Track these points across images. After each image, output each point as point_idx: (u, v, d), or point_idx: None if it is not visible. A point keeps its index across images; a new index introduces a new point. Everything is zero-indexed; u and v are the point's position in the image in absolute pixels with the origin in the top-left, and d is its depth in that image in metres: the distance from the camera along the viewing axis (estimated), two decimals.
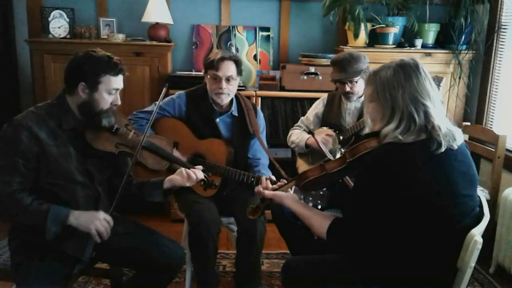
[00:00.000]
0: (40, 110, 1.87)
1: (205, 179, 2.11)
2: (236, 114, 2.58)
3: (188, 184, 2.05)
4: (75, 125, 1.89)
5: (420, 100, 1.53)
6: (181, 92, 2.62)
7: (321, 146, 2.45)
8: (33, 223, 1.78)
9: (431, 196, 1.51)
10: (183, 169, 2.05)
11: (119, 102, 1.94)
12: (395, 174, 1.49)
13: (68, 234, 1.80)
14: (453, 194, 1.54)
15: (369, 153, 1.61)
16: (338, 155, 2.48)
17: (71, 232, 1.81)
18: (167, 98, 2.59)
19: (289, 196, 1.82)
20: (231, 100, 2.56)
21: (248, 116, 2.57)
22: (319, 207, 1.90)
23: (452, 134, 1.55)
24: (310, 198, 1.84)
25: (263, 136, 2.64)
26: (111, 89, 1.88)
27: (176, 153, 2.41)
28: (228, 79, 2.44)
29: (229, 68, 2.44)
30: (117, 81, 1.89)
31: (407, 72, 1.55)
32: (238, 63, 2.49)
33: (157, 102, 2.15)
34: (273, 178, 2.33)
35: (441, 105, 1.58)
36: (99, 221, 1.81)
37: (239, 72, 2.50)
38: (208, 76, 2.49)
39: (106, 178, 2.00)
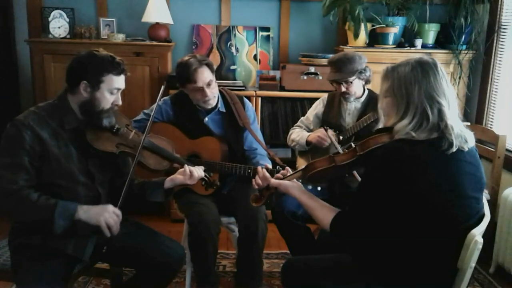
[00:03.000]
0: (41, 110, 1.87)
1: (206, 178, 2.11)
2: (223, 110, 2.58)
3: (189, 183, 2.05)
4: (76, 125, 1.89)
5: (435, 98, 1.53)
6: (166, 97, 2.64)
7: (330, 135, 2.43)
8: (41, 218, 1.76)
9: (437, 195, 1.51)
10: (186, 166, 2.05)
11: (120, 103, 1.94)
12: (403, 171, 1.49)
13: (68, 234, 1.80)
14: (459, 194, 1.54)
15: (380, 147, 1.61)
16: None
17: (72, 232, 1.80)
18: (152, 106, 2.60)
19: (295, 186, 1.81)
20: (217, 98, 2.56)
21: (236, 110, 2.56)
22: (319, 188, 1.90)
23: (464, 136, 1.55)
24: (310, 187, 1.84)
25: (254, 126, 2.63)
26: (113, 88, 1.88)
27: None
28: (208, 84, 2.43)
29: (205, 74, 2.40)
30: (119, 81, 1.89)
31: (425, 69, 1.55)
32: (209, 64, 2.44)
33: (153, 109, 2.17)
34: (269, 167, 2.32)
35: (456, 107, 1.58)
36: (108, 213, 1.81)
37: (213, 70, 2.47)
38: (188, 90, 2.47)
39: (107, 179, 2.00)
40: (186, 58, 2.44)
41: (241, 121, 2.55)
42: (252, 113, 2.67)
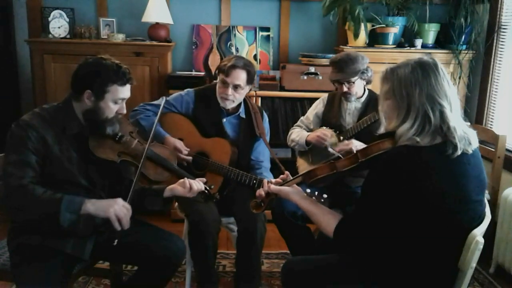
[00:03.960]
0: (45, 112, 1.86)
1: (206, 191, 2.06)
2: (243, 116, 2.60)
3: (188, 195, 2.01)
4: (79, 130, 1.88)
5: (436, 99, 1.50)
6: (190, 89, 2.64)
7: (328, 136, 2.45)
8: (47, 211, 1.73)
9: (442, 202, 1.48)
10: (186, 179, 2.02)
11: (125, 111, 1.93)
12: (408, 178, 1.47)
13: (67, 234, 1.80)
14: (465, 200, 1.52)
15: (382, 154, 1.59)
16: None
17: (72, 233, 1.80)
18: (175, 94, 2.62)
19: (295, 192, 1.80)
20: (239, 103, 2.58)
21: (255, 119, 2.59)
22: (322, 200, 1.89)
23: (467, 137, 1.52)
24: (315, 193, 1.84)
25: (267, 139, 2.65)
26: (118, 99, 1.87)
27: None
28: (235, 87, 2.45)
29: (239, 77, 2.43)
30: (124, 91, 1.88)
31: (425, 70, 1.53)
32: (250, 72, 2.47)
33: (161, 106, 2.17)
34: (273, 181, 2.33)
35: (458, 108, 1.56)
36: (118, 206, 1.78)
37: (250, 80, 2.49)
38: (219, 79, 2.51)
39: (107, 183, 1.99)
40: (237, 56, 2.50)
41: (258, 130, 2.57)
42: (267, 126, 2.70)
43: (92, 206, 1.76)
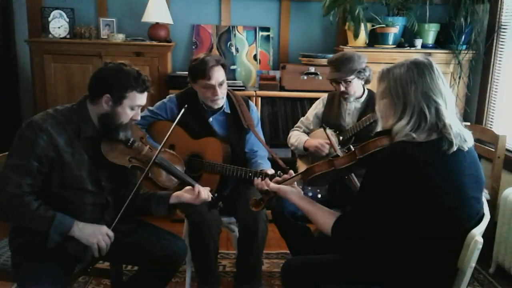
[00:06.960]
0: (59, 114, 1.85)
1: (211, 199, 2.06)
2: (228, 111, 2.58)
3: (195, 203, 2.02)
4: (92, 134, 1.88)
5: (432, 97, 1.53)
6: (172, 95, 2.64)
7: (331, 140, 2.44)
8: (37, 228, 1.77)
9: (439, 198, 1.50)
10: (196, 185, 2.02)
11: (139, 118, 1.94)
12: (405, 174, 1.48)
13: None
14: (462, 196, 1.53)
15: (380, 150, 1.60)
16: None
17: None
18: (158, 103, 2.62)
19: (294, 191, 1.81)
20: None
21: (241, 111, 2.57)
22: (319, 196, 1.90)
23: (462, 135, 1.54)
24: (309, 188, 1.84)
25: (258, 128, 2.64)
26: (135, 105, 1.87)
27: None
28: (220, 84, 2.45)
29: (220, 74, 2.43)
30: (142, 98, 1.89)
31: (420, 69, 1.55)
32: (224, 65, 2.47)
33: (156, 106, 2.15)
34: (269, 172, 2.32)
35: (453, 106, 1.58)
36: (101, 236, 1.82)
37: (226, 72, 2.50)
38: (199, 86, 2.47)
39: (115, 187, 1.99)
40: (202, 55, 2.45)
41: (245, 123, 2.55)
42: (256, 115, 2.68)
43: (79, 232, 1.80)
